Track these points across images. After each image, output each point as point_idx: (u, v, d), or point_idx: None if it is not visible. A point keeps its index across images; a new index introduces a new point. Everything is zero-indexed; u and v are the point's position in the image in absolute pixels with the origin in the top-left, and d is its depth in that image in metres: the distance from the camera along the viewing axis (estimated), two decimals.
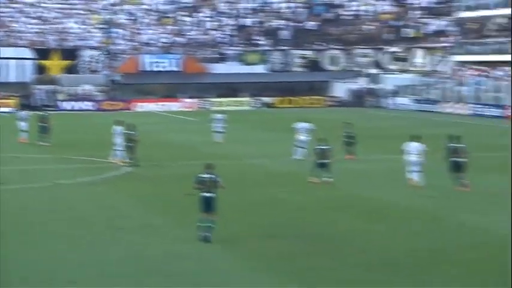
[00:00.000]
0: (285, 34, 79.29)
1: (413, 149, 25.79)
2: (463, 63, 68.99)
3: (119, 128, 32.21)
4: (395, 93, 70.84)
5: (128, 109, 69.00)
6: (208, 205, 17.76)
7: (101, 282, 15.06)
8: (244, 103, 72.61)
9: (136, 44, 77.00)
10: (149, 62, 73.34)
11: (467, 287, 14.41)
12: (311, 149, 29.02)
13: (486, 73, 64.28)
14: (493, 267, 15.75)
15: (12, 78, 70.28)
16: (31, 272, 15.69)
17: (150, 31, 78.99)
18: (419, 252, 17.04)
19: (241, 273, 15.69)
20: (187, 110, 70.21)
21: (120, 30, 78.13)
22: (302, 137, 32.49)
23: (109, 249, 17.63)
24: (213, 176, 17.79)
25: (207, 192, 17.72)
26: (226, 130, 40.90)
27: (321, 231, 19.24)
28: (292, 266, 16.14)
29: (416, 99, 67.81)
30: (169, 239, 18.57)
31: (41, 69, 71.40)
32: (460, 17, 71.82)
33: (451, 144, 25.59)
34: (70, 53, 72.46)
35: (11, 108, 65.41)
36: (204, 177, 17.79)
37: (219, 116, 41.20)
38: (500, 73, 63.13)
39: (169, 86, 73.59)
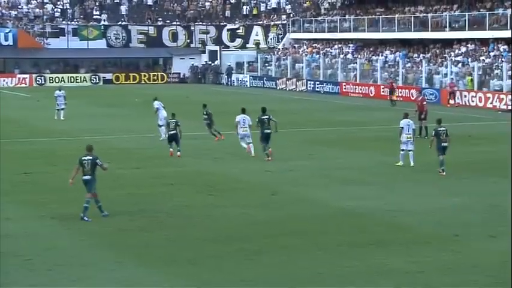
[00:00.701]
0: (124, 9, 78.05)
1: (245, 122, 26.62)
2: (300, 41, 70.79)
3: None
4: (235, 69, 71.62)
5: None
6: (86, 186, 17.89)
7: None
8: (83, 79, 70.93)
9: None
10: None
11: (305, 256, 14.90)
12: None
13: (322, 51, 66.27)
14: (332, 237, 16.38)
15: None
16: None
17: None
18: (258, 225, 17.42)
19: (79, 250, 15.43)
20: (22, 86, 67.73)
21: None
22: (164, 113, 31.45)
23: None
24: (91, 158, 17.90)
25: (86, 175, 17.85)
26: (66, 106, 40.02)
27: (162, 207, 19.22)
28: (132, 242, 16.05)
29: (255, 76, 68.91)
30: (2, 219, 17.92)
31: None
32: None
33: (262, 117, 26.49)
34: None
35: None
36: (84, 160, 17.88)
37: (59, 92, 40.25)
38: (334, 51, 65.31)
39: (2, 61, 70.63)
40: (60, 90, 40.56)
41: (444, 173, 23.20)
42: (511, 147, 25.71)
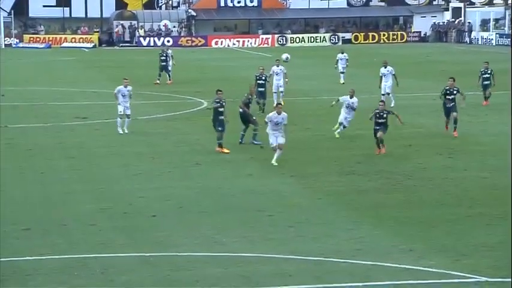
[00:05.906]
0: None
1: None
2: None
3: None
4: (480, 27, 68.69)
5: (206, 45, 69.09)
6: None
7: (179, 216, 15.31)
8: (322, 39, 71.68)
9: None
10: None
11: None
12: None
13: None
14: None
15: (93, 13, 71.12)
16: (113, 203, 16.06)
17: None
18: (499, 191, 16.68)
19: (318, 208, 15.70)
20: (264, 46, 69.82)
21: None
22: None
23: (186, 184, 17.85)
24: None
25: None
26: (346, 70, 39.34)
27: (399, 169, 19.00)
28: (369, 202, 16.06)
29: (502, 34, 65.60)
30: (245, 175, 18.66)
31: (120, 5, 71.92)
32: None
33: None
34: None
35: (93, 44, 67.12)
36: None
37: (341, 55, 39.57)
38: None
39: (247, 22, 73.18)
40: (342, 53, 39.52)
41: None
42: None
